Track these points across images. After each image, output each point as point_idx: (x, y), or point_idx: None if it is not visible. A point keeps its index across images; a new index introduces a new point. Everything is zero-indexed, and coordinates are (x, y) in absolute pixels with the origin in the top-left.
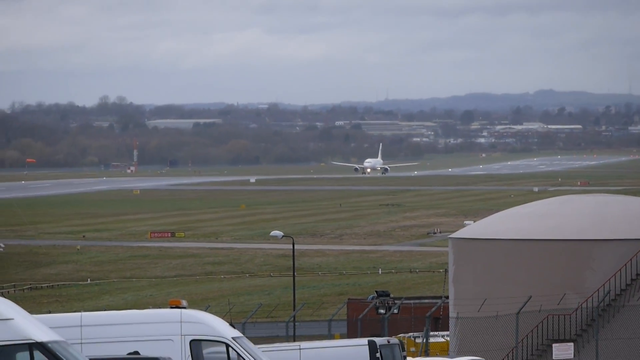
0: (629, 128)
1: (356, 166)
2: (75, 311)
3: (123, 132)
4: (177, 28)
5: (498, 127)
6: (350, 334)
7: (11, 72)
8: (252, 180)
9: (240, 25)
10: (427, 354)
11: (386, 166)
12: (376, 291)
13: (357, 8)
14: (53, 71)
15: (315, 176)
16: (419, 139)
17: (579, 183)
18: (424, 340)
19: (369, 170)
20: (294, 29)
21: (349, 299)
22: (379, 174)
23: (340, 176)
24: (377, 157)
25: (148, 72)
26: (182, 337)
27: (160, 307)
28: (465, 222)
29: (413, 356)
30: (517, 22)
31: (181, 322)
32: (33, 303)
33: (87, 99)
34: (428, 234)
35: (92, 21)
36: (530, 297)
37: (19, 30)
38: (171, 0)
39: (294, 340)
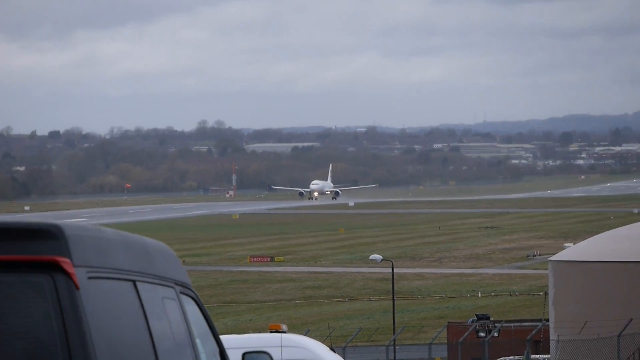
0: None
1: (301, 190)
2: None
3: (221, 156)
4: (294, 52)
5: (597, 149)
6: (451, 358)
7: (113, 98)
8: (351, 203)
9: (358, 48)
10: None
11: (337, 189)
12: (476, 314)
13: (476, 30)
14: (155, 96)
15: (414, 199)
16: (517, 161)
17: None
18: None
19: (316, 194)
20: (409, 52)
21: (448, 322)
22: (328, 200)
23: (440, 199)
24: (327, 179)
25: (254, 96)
26: None
27: (260, 332)
28: (564, 244)
29: None
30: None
31: (281, 346)
32: None
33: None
34: (527, 256)
35: (210, 45)
36: (632, 319)
37: (136, 55)
38: (292, 24)
39: None
